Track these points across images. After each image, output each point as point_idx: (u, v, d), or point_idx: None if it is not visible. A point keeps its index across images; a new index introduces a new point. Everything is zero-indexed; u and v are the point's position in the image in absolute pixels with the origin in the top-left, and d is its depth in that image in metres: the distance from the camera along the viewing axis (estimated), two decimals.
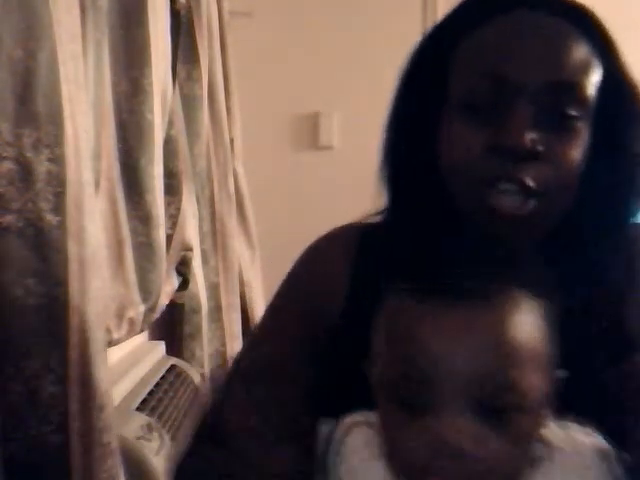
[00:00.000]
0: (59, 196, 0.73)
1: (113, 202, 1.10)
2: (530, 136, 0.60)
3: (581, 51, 0.62)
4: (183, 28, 1.48)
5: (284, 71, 2.17)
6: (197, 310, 1.58)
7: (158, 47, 1.23)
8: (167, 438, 1.14)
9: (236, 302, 1.79)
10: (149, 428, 1.11)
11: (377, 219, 0.75)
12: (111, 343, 1.05)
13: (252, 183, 2.00)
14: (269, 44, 2.16)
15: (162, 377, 1.34)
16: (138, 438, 1.07)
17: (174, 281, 1.47)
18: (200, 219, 1.64)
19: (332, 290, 0.72)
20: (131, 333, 1.14)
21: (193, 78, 1.56)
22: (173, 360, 1.48)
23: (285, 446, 0.65)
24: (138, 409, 1.15)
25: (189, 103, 1.55)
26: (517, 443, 0.51)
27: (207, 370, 1.62)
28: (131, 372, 1.26)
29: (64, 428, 0.73)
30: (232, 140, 1.87)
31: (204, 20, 1.58)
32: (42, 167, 0.71)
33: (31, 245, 0.71)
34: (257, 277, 1.99)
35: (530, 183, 0.61)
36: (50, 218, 0.72)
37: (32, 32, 0.70)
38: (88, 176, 0.80)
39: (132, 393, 1.20)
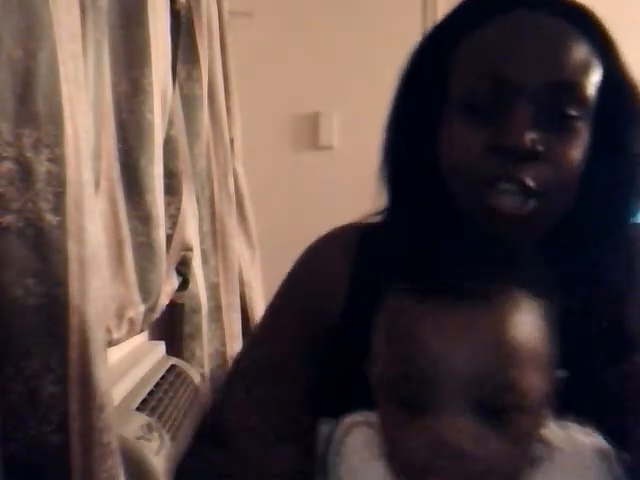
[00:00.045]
0: (59, 196, 0.73)
1: (113, 202, 1.10)
2: (530, 136, 0.60)
3: (581, 51, 0.62)
4: (183, 28, 1.48)
5: (284, 71, 2.17)
6: (197, 310, 1.58)
7: (158, 47, 1.23)
8: (167, 438, 1.14)
9: (236, 302, 1.79)
10: (149, 428, 1.11)
11: (377, 219, 0.75)
12: (111, 343, 1.05)
13: (252, 183, 2.00)
14: (269, 44, 2.16)
15: (162, 377, 1.34)
16: (138, 438, 1.07)
17: (174, 281, 1.47)
18: (200, 219, 1.64)
19: (332, 290, 0.72)
20: (131, 333, 1.14)
21: (193, 78, 1.56)
22: (173, 360, 1.48)
23: (285, 446, 0.65)
24: (138, 409, 1.15)
25: (189, 103, 1.55)
26: (517, 443, 0.51)
27: (207, 370, 1.62)
28: (131, 372, 1.26)
29: (64, 428, 0.73)
30: (232, 140, 1.87)
31: (204, 20, 1.58)
32: (42, 167, 0.71)
33: (31, 245, 0.71)
34: (257, 277, 1.99)
35: (530, 183, 0.61)
36: (50, 218, 0.72)
37: (32, 32, 0.70)
38: (88, 176, 0.80)
39: (132, 393, 1.20)
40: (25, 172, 0.70)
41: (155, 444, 1.09)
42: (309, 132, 2.23)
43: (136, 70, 1.15)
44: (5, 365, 0.70)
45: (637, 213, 0.69)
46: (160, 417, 1.18)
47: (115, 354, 1.25)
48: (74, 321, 0.74)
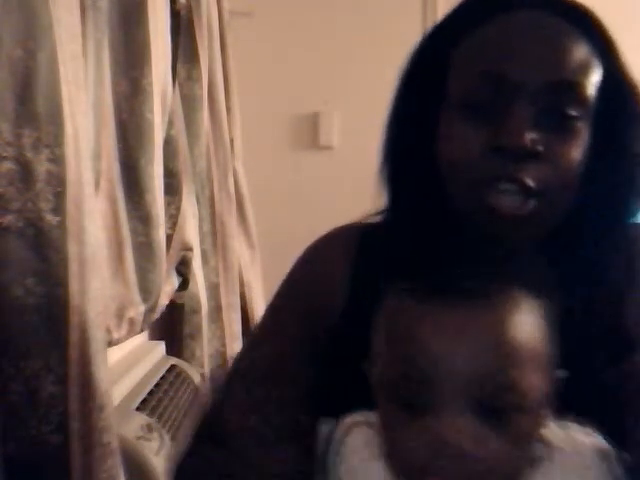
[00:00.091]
0: (59, 196, 0.73)
1: (113, 202, 1.10)
2: (530, 136, 0.60)
3: (581, 51, 0.62)
4: (183, 28, 1.48)
5: (284, 71, 2.17)
6: (197, 310, 1.58)
7: (158, 47, 1.23)
8: (167, 438, 1.14)
9: (236, 302, 1.79)
10: (149, 428, 1.11)
11: (377, 219, 0.75)
12: (111, 343, 1.05)
13: (252, 183, 2.00)
14: (269, 44, 2.16)
15: (162, 377, 1.34)
16: (138, 438, 1.07)
17: (174, 281, 1.47)
18: (200, 219, 1.64)
19: (332, 290, 0.72)
20: (131, 333, 1.14)
21: (193, 78, 1.56)
22: (173, 360, 1.48)
23: (285, 446, 0.65)
24: (138, 409, 1.15)
25: (189, 103, 1.55)
26: (517, 443, 0.51)
27: (207, 370, 1.62)
28: (131, 372, 1.26)
29: (64, 428, 0.73)
30: (232, 140, 1.87)
31: (204, 20, 1.58)
32: (42, 167, 0.71)
33: (31, 245, 0.71)
34: (257, 277, 1.99)
35: (530, 183, 0.61)
36: (50, 218, 0.72)
37: (32, 32, 0.70)
38: (88, 176, 0.80)
39: (132, 393, 1.20)
40: (25, 172, 0.70)
41: (155, 444, 1.09)
42: (309, 132, 2.23)
43: (136, 70, 1.15)
44: (5, 365, 0.70)
45: (637, 213, 0.69)
46: (160, 417, 1.18)
47: (115, 354, 1.25)
48: (74, 321, 0.74)
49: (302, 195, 2.20)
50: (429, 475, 0.50)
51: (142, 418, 1.13)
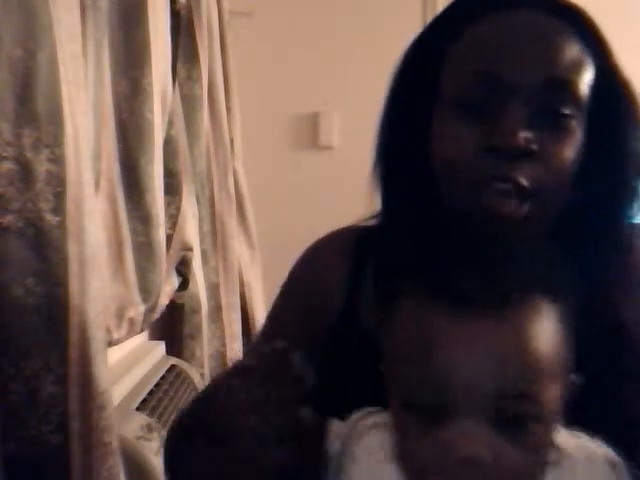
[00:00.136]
0: (59, 196, 0.73)
1: (113, 202, 1.10)
2: (524, 135, 0.60)
3: (574, 50, 0.62)
4: (183, 28, 1.48)
5: (284, 71, 2.17)
6: (197, 310, 1.58)
7: (158, 47, 1.23)
8: None
9: (236, 302, 1.79)
10: (149, 428, 1.11)
11: (373, 221, 0.75)
12: (111, 343, 1.05)
13: (252, 183, 2.00)
14: (269, 44, 2.16)
15: (162, 377, 1.34)
16: (138, 438, 1.07)
17: (174, 281, 1.47)
18: (200, 219, 1.65)
19: (330, 291, 0.73)
20: (131, 333, 1.14)
21: (193, 78, 1.56)
22: (173, 360, 1.48)
23: (285, 446, 0.65)
24: (138, 409, 1.15)
25: (189, 103, 1.55)
26: (532, 452, 0.51)
27: (207, 370, 1.62)
28: (131, 372, 1.26)
29: (64, 428, 0.73)
30: (232, 140, 1.87)
31: (204, 20, 1.58)
32: (42, 167, 0.71)
33: (31, 245, 0.71)
34: (257, 277, 1.99)
35: (524, 182, 0.61)
36: (50, 218, 0.72)
37: (32, 32, 0.70)
38: (88, 176, 0.80)
39: (132, 393, 1.20)
40: (25, 172, 0.70)
41: (155, 444, 1.09)
42: (309, 132, 2.23)
43: (136, 70, 1.15)
44: (5, 365, 0.70)
45: (636, 213, 0.69)
46: (160, 417, 1.18)
47: (115, 354, 1.25)
48: (74, 321, 0.74)
49: (302, 195, 2.20)
50: None
51: (142, 418, 1.13)
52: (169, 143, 1.39)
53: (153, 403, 1.20)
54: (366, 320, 0.69)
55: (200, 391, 0.68)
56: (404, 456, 0.54)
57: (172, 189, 1.40)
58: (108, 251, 1.08)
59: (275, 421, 0.67)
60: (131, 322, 1.13)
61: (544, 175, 0.61)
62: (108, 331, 1.02)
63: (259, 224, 2.01)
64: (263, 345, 0.74)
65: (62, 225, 0.73)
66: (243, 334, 1.80)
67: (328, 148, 2.22)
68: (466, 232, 0.61)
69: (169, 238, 1.37)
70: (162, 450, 0.66)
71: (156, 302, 1.25)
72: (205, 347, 1.62)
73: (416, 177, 0.67)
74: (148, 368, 1.35)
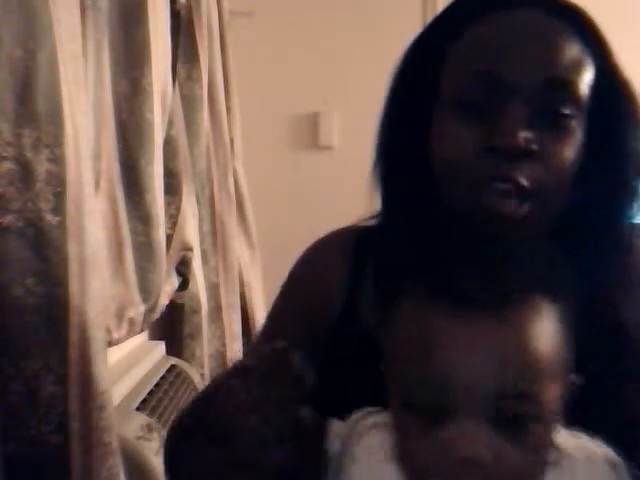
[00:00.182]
0: (59, 196, 0.73)
1: (113, 202, 1.10)
2: (524, 135, 0.60)
3: (574, 50, 0.62)
4: (183, 28, 1.48)
5: (284, 71, 2.17)
6: (197, 310, 1.58)
7: (158, 47, 1.23)
8: None
9: (236, 302, 1.79)
10: (149, 428, 1.11)
11: (373, 222, 0.75)
12: (111, 343, 1.05)
13: (252, 183, 2.00)
14: (269, 44, 2.16)
15: (162, 377, 1.34)
16: (138, 438, 1.07)
17: (174, 281, 1.47)
18: (200, 219, 1.65)
19: (330, 291, 0.73)
20: (131, 333, 1.14)
21: (193, 78, 1.56)
22: (173, 360, 1.48)
23: (285, 446, 0.65)
24: (138, 409, 1.15)
25: (189, 103, 1.55)
26: (532, 452, 0.51)
27: (207, 370, 1.62)
28: (131, 372, 1.26)
29: (64, 428, 0.73)
30: (232, 140, 1.87)
31: (204, 20, 1.58)
32: (42, 167, 0.71)
33: (31, 245, 0.71)
34: (257, 277, 1.99)
35: (524, 182, 0.61)
36: (50, 218, 0.72)
37: (32, 32, 0.70)
38: (88, 176, 0.80)
39: (132, 393, 1.20)
40: (25, 172, 0.70)
41: (155, 444, 1.09)
42: (309, 132, 2.23)
43: (136, 70, 1.15)
44: (5, 365, 0.70)
45: (636, 213, 0.69)
46: (160, 417, 1.18)
47: (115, 354, 1.25)
48: (74, 321, 0.74)
49: (302, 195, 2.20)
50: None
51: (142, 418, 1.13)
52: (169, 143, 1.39)
53: (153, 403, 1.20)
54: (366, 320, 0.69)
55: (200, 391, 0.68)
56: (404, 456, 0.54)
57: (172, 189, 1.40)
58: (108, 251, 1.08)
59: (275, 421, 0.67)
60: (131, 322, 1.13)
61: (544, 175, 0.61)
62: (108, 331, 1.02)
63: (259, 224, 2.01)
64: (263, 345, 0.74)
65: (62, 225, 0.73)
66: (243, 334, 1.80)
67: (328, 148, 2.22)
68: (466, 232, 0.61)
69: (169, 238, 1.37)
70: (162, 450, 0.66)
71: (156, 302, 1.25)
72: (205, 347, 1.62)
73: (416, 177, 0.67)
74: (148, 368, 1.35)
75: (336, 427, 0.61)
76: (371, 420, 0.60)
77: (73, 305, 0.74)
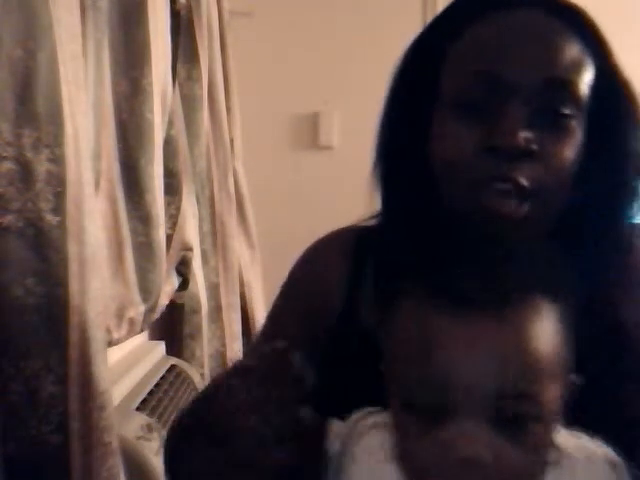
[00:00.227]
0: (59, 196, 0.73)
1: (113, 202, 1.10)
2: (524, 135, 0.60)
3: (574, 50, 0.62)
4: (183, 28, 1.48)
5: (284, 71, 2.17)
6: (197, 310, 1.58)
7: (158, 47, 1.23)
8: None
9: (236, 302, 1.79)
10: (149, 428, 1.11)
11: (373, 222, 0.75)
12: (111, 343, 1.05)
13: (252, 183, 2.00)
14: (269, 44, 2.16)
15: (162, 377, 1.34)
16: (138, 438, 1.07)
17: (174, 281, 1.47)
18: (200, 219, 1.65)
19: (330, 291, 0.73)
20: (131, 333, 1.14)
21: (193, 78, 1.56)
22: (173, 360, 1.48)
23: (285, 446, 0.65)
24: (138, 409, 1.15)
25: (189, 103, 1.55)
26: (532, 452, 0.51)
27: (207, 370, 1.62)
28: (131, 372, 1.26)
29: (64, 428, 0.73)
30: (232, 140, 1.87)
31: (204, 20, 1.58)
32: (42, 167, 0.71)
33: (31, 245, 0.71)
34: (257, 277, 1.99)
35: (524, 182, 0.61)
36: (50, 218, 0.72)
37: (32, 32, 0.70)
38: (88, 176, 0.80)
39: (132, 393, 1.20)
40: (25, 172, 0.70)
41: (155, 444, 1.09)
42: (309, 132, 2.23)
43: (136, 70, 1.15)
44: (5, 365, 0.70)
45: (636, 213, 0.69)
46: (160, 417, 1.18)
47: (115, 354, 1.25)
48: (74, 321, 0.74)
49: (302, 195, 2.20)
50: None
51: (142, 418, 1.13)
52: (169, 143, 1.39)
53: (153, 403, 1.20)
54: (366, 320, 0.69)
55: (200, 391, 0.68)
56: (404, 456, 0.54)
57: (172, 189, 1.40)
58: (108, 251, 1.08)
59: (275, 421, 0.67)
60: (131, 322, 1.13)
61: (544, 175, 0.61)
62: (108, 331, 1.02)
63: (259, 224, 2.01)
64: (263, 345, 0.74)
65: (62, 225, 0.73)
66: (243, 334, 1.80)
67: (328, 148, 2.22)
68: (466, 232, 0.61)
69: (169, 238, 1.37)
70: (162, 450, 0.66)
71: (156, 302, 1.25)
72: (205, 347, 1.62)
73: (416, 177, 0.67)
74: (148, 368, 1.35)
75: (336, 427, 0.61)
76: (371, 420, 0.60)
77: (73, 305, 0.74)
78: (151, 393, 1.24)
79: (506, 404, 0.49)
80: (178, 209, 1.42)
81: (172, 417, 1.22)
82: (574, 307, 0.54)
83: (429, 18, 0.71)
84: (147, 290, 1.19)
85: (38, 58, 0.71)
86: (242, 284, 1.86)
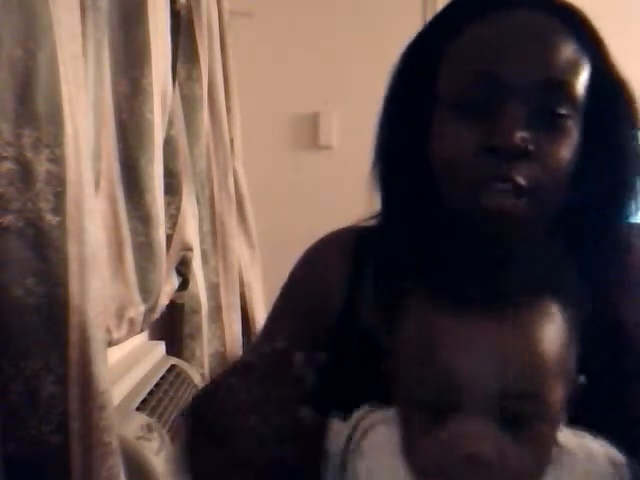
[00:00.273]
0: (59, 196, 0.73)
1: (113, 202, 1.10)
2: (521, 135, 0.60)
3: (572, 50, 0.62)
4: (183, 28, 1.48)
5: (284, 71, 2.17)
6: (197, 310, 1.58)
7: (158, 47, 1.23)
8: (167, 438, 1.14)
9: (236, 302, 1.79)
10: (149, 428, 1.11)
11: (372, 222, 0.75)
12: (111, 343, 1.05)
13: (252, 183, 2.00)
14: (269, 44, 2.16)
15: (162, 377, 1.34)
16: (138, 438, 1.07)
17: (174, 281, 1.47)
18: (200, 219, 1.64)
19: (330, 291, 0.73)
20: (131, 333, 1.14)
21: (193, 78, 1.56)
22: (173, 360, 1.48)
23: (285, 446, 0.65)
24: (138, 409, 1.15)
25: (189, 103, 1.55)
26: (536, 450, 0.51)
27: (207, 370, 1.62)
28: (131, 372, 1.26)
29: (64, 428, 0.73)
30: (232, 140, 1.87)
31: (204, 20, 1.58)
32: (42, 167, 0.71)
33: (31, 245, 0.71)
34: (257, 277, 1.99)
35: (522, 182, 0.61)
36: (50, 218, 0.72)
37: (32, 32, 0.70)
38: (88, 176, 0.80)
39: (132, 393, 1.20)
40: (25, 172, 0.70)
41: (155, 444, 1.09)
42: (309, 132, 2.23)
43: (136, 70, 1.15)
44: (5, 365, 0.70)
45: (635, 213, 0.69)
46: (160, 417, 1.18)
47: (115, 354, 1.25)
48: (74, 321, 0.74)
49: (302, 195, 2.20)
50: None
51: (142, 418, 1.13)
52: (169, 143, 1.39)
53: (153, 403, 1.20)
54: (366, 320, 0.69)
55: (200, 390, 0.68)
56: (409, 453, 0.54)
57: (172, 189, 1.40)
58: (108, 251, 1.08)
59: (275, 421, 0.67)
60: (131, 322, 1.13)
61: (541, 174, 0.61)
62: (108, 331, 1.02)
63: (259, 224, 2.01)
64: (263, 345, 0.74)
65: (62, 225, 0.73)
66: (243, 334, 1.80)
67: (328, 148, 2.22)
68: (466, 232, 0.61)
69: (169, 238, 1.37)
70: (179, 448, 0.66)
71: (156, 302, 1.25)
72: (205, 347, 1.62)
73: (416, 177, 0.67)
74: (148, 368, 1.35)
75: (336, 426, 0.61)
76: (377, 416, 0.60)
77: (73, 305, 0.74)
78: (151, 393, 1.24)
79: (509, 403, 0.49)
80: (178, 209, 1.42)
81: (172, 417, 1.23)
82: (576, 306, 0.54)
83: (429, 18, 0.71)
84: (147, 290, 1.19)
85: (38, 58, 0.71)
86: (242, 284, 1.86)
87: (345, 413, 0.62)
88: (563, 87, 0.62)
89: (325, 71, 2.18)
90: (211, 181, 1.70)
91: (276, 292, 0.80)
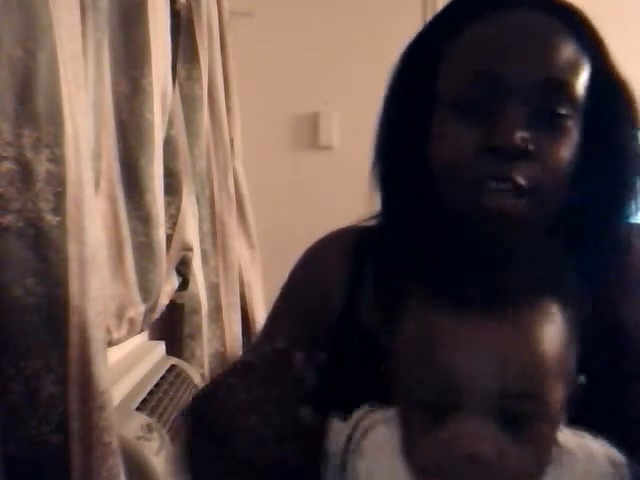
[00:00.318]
0: (59, 196, 0.73)
1: (113, 202, 1.10)
2: (520, 135, 0.60)
3: (572, 50, 0.62)
4: (183, 28, 1.48)
5: (284, 71, 2.17)
6: (197, 310, 1.58)
7: (158, 47, 1.23)
8: (167, 438, 1.14)
9: (236, 302, 1.79)
10: (149, 428, 1.11)
11: (372, 222, 0.75)
12: (111, 343, 1.05)
13: (252, 183, 2.00)
14: (269, 44, 2.16)
15: (162, 377, 1.34)
16: (138, 438, 1.07)
17: (174, 281, 1.47)
18: (200, 219, 1.65)
19: (330, 291, 0.73)
20: (131, 333, 1.14)
21: (193, 78, 1.56)
22: (173, 360, 1.48)
23: (285, 446, 0.65)
24: (138, 409, 1.15)
25: (189, 103, 1.55)
26: (536, 450, 0.51)
27: (207, 370, 1.62)
28: (131, 372, 1.26)
29: (64, 428, 0.73)
30: (232, 140, 1.87)
31: (204, 20, 1.58)
32: (42, 167, 0.71)
33: (31, 245, 0.71)
34: (257, 277, 1.99)
35: (522, 182, 0.61)
36: (50, 218, 0.72)
37: (32, 32, 0.70)
38: (88, 176, 0.80)
39: (132, 393, 1.20)
40: (25, 172, 0.70)
41: (155, 444, 1.09)
42: (309, 132, 2.23)
43: (136, 70, 1.15)
44: (5, 365, 0.70)
45: (635, 213, 0.69)
46: (160, 417, 1.18)
47: (115, 354, 1.25)
48: (74, 321, 0.74)
49: (302, 195, 2.20)
50: None
51: (142, 418, 1.13)
52: (169, 143, 1.39)
53: (153, 403, 1.20)
54: (366, 320, 0.69)
55: (200, 390, 0.68)
56: (409, 453, 0.54)
57: (172, 189, 1.40)
58: (108, 251, 1.08)
59: (275, 421, 0.67)
60: (131, 322, 1.13)
61: (541, 174, 0.61)
62: (108, 331, 1.02)
63: (259, 224, 2.01)
64: (263, 345, 0.74)
65: (62, 225, 0.73)
66: (243, 334, 1.80)
67: (328, 148, 2.22)
68: (466, 232, 0.61)
69: (169, 238, 1.37)
70: (179, 448, 0.66)
71: (156, 302, 1.25)
72: (205, 347, 1.62)
73: (416, 177, 0.68)
74: (148, 368, 1.35)
75: (336, 426, 0.61)
76: (377, 415, 0.60)
77: (73, 305, 0.74)
78: (151, 393, 1.24)
79: (509, 403, 0.50)
80: (178, 209, 1.42)
81: (172, 417, 1.23)
82: (576, 306, 0.54)
83: (429, 18, 0.71)
84: (147, 290, 1.19)
85: (38, 58, 0.71)
86: (242, 284, 1.86)
87: (345, 413, 0.62)
88: (563, 87, 0.62)
89: (325, 71, 2.18)
90: (211, 181, 1.70)
91: (276, 292, 0.80)
